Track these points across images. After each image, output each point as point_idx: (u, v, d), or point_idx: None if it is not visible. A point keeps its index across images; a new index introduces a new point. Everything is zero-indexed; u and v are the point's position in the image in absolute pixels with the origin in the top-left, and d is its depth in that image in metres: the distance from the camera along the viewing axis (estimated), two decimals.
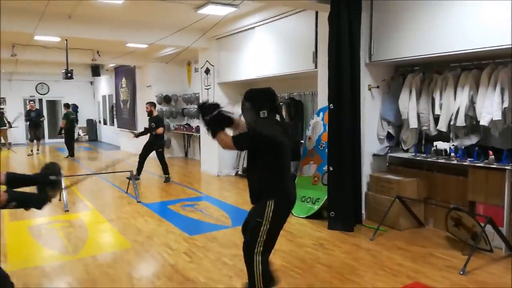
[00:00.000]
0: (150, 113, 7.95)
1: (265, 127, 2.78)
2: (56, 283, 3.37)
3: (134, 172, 7.19)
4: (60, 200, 6.26)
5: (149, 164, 10.60)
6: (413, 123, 4.82)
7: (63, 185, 2.54)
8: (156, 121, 7.86)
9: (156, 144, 7.89)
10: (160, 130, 7.76)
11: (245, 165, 8.39)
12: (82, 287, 3.34)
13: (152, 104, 8.05)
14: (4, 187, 2.36)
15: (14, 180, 2.39)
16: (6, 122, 13.63)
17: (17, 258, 4.04)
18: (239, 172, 8.50)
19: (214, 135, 2.76)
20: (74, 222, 5.29)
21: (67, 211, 5.74)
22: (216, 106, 2.84)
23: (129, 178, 6.90)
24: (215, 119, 2.77)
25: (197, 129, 10.52)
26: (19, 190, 2.28)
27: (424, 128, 4.80)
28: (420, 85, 4.83)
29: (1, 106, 15.60)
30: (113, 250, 4.26)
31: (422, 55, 4.43)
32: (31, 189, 2.35)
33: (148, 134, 7.99)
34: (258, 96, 2.90)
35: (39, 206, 2.31)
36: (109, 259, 3.97)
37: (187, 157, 11.95)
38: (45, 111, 17.33)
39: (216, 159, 8.67)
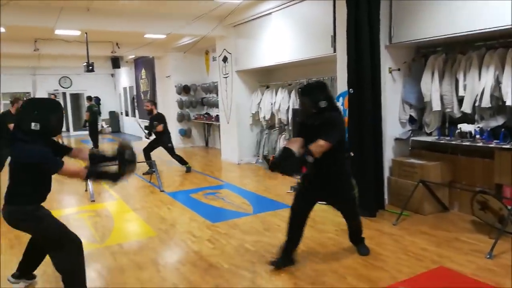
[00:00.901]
0: (150, 112, 7.85)
1: (338, 116, 3.27)
2: (86, 270, 3.48)
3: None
4: (86, 190, 6.46)
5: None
6: (436, 106, 4.70)
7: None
8: (156, 119, 7.75)
9: (161, 141, 7.76)
10: (159, 127, 7.62)
11: (265, 152, 8.40)
12: (111, 274, 3.45)
13: (152, 103, 8.03)
14: (84, 164, 2.87)
15: (95, 157, 2.92)
16: None
17: None
18: (260, 160, 8.52)
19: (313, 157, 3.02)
20: (100, 212, 5.45)
21: (93, 201, 5.91)
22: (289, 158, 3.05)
23: (151, 170, 7.06)
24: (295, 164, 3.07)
25: (217, 118, 10.57)
26: (98, 167, 2.83)
27: (448, 110, 4.68)
28: (443, 66, 4.70)
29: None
30: (139, 238, 4.38)
31: (445, 35, 4.30)
32: None
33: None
34: (314, 90, 3.28)
35: (114, 181, 2.83)
36: (135, 247, 4.08)
37: (207, 146, 12.06)
38: (68, 104, 17.77)
39: (236, 147, 8.72)
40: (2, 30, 8.24)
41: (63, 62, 14.23)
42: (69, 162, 2.70)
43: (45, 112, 2.68)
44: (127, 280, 3.33)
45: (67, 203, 6.05)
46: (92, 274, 3.45)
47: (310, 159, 2.99)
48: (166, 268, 3.58)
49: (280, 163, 3.06)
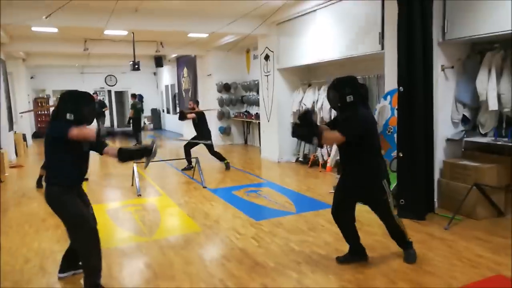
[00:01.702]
0: (192, 109, 8.04)
1: (365, 113, 3.16)
2: (136, 263, 3.60)
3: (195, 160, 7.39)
4: (132, 185, 6.67)
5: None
6: (493, 105, 4.45)
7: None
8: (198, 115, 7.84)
9: (202, 138, 7.73)
10: (191, 115, 7.76)
11: (306, 152, 8.33)
12: (160, 267, 3.53)
13: (194, 102, 8.31)
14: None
15: (123, 151, 3.08)
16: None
17: (100, 238, 4.36)
18: (300, 159, 8.46)
19: (320, 142, 3.07)
20: (146, 206, 5.61)
21: (140, 195, 6.09)
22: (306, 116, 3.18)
23: (189, 166, 7.32)
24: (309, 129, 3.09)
25: (256, 116, 10.60)
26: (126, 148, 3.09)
27: (506, 110, 4.43)
28: (501, 64, 4.45)
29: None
30: (185, 233, 4.46)
31: (504, 31, 4.05)
32: None
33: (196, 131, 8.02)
34: (343, 84, 3.20)
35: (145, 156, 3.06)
36: (181, 241, 4.17)
37: (246, 144, 12.12)
38: (113, 102, 18.46)
39: (276, 145, 8.70)
40: (55, 30, 8.68)
41: (109, 61, 14.80)
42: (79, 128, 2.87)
43: (78, 104, 2.96)
44: (175, 273, 3.40)
45: (114, 196, 6.28)
46: (142, 266, 3.55)
47: (315, 141, 3.02)
48: (213, 263, 3.62)
49: (297, 128, 3.17)
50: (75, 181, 3.09)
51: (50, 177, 3.00)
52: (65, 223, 3.06)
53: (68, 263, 3.31)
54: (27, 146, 12.33)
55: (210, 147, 7.85)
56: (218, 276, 3.34)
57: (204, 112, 8.08)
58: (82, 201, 3.10)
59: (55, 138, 2.92)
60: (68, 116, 2.89)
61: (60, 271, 3.32)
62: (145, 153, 3.06)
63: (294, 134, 3.22)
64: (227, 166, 7.99)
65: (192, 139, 7.93)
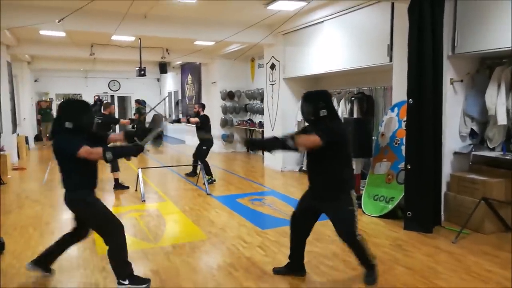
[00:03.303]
0: (197, 113, 7.83)
1: (340, 123, 3.27)
2: (143, 269, 3.56)
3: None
4: (136, 190, 6.64)
5: (212, 157, 10.90)
6: (502, 120, 4.46)
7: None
8: (201, 118, 7.65)
9: (205, 144, 7.52)
10: (193, 119, 7.53)
11: None
12: (166, 274, 3.50)
13: (200, 105, 8.04)
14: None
15: (129, 134, 3.33)
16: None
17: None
18: (304, 168, 8.44)
19: (296, 147, 3.02)
20: (151, 212, 5.58)
21: (144, 201, 6.06)
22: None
23: (193, 172, 7.31)
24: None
25: (260, 124, 10.61)
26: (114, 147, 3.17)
27: None
28: (510, 79, 4.46)
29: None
30: (191, 240, 4.42)
31: None
32: None
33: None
34: (317, 97, 3.24)
35: (135, 153, 3.16)
36: (187, 249, 4.13)
37: (249, 152, 12.11)
38: (116, 106, 18.46)
39: (280, 154, 8.68)
40: (63, 34, 8.72)
41: (114, 67, 14.84)
42: (88, 146, 2.97)
43: (76, 112, 3.09)
44: (182, 282, 3.36)
45: (119, 202, 6.25)
46: (148, 273, 3.51)
47: (290, 142, 2.98)
48: (220, 272, 3.59)
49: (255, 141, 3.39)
50: (94, 183, 3.20)
51: (71, 184, 3.09)
52: (95, 224, 3.19)
53: (41, 260, 3.36)
54: (29, 148, 12.31)
55: (201, 153, 7.45)
56: (226, 285, 3.30)
57: (209, 116, 7.96)
58: None
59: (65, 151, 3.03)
60: (67, 124, 3.01)
61: (32, 263, 3.35)
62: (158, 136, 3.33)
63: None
64: (210, 181, 7.28)
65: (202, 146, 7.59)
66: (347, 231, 3.14)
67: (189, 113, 14.31)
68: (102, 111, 7.58)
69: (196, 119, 7.61)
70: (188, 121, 7.81)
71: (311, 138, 2.98)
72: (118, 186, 6.86)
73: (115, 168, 6.78)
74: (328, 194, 3.15)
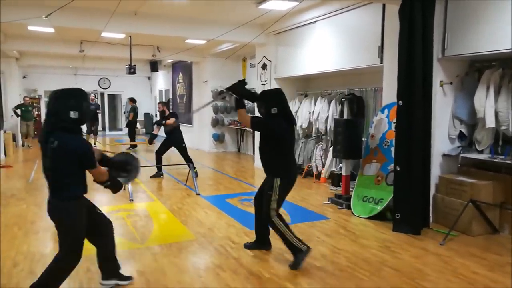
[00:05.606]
0: (163, 113, 7.83)
1: (276, 123, 3.54)
2: (129, 270, 3.50)
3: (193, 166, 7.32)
4: (124, 189, 6.54)
5: (202, 157, 10.85)
6: (491, 123, 4.49)
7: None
8: (170, 116, 7.70)
9: (174, 141, 7.67)
10: (170, 121, 7.49)
11: (300, 161, 8.29)
12: (153, 275, 3.45)
13: (163, 104, 8.05)
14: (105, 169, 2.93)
15: (106, 160, 3.03)
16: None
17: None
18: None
19: (238, 108, 3.72)
20: (139, 212, 5.51)
21: (132, 200, 5.99)
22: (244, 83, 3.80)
23: (158, 173, 7.54)
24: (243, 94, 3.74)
25: None
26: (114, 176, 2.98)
27: (503, 128, 4.46)
28: (499, 82, 4.50)
29: None
30: (179, 241, 4.37)
31: (503, 50, 4.10)
32: None
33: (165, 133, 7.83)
34: (270, 96, 3.75)
35: (117, 189, 2.98)
36: (175, 249, 4.08)
37: (239, 152, 12.07)
38: (106, 105, 18.29)
39: None
40: (52, 30, 8.59)
41: (104, 64, 14.69)
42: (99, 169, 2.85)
43: (79, 100, 2.73)
44: (169, 282, 3.32)
45: (106, 201, 6.15)
46: (134, 273, 3.45)
47: (241, 103, 3.73)
48: (207, 273, 3.55)
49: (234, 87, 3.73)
50: (85, 189, 2.86)
51: (63, 190, 2.72)
52: (63, 235, 2.81)
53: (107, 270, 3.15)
54: (16, 146, 12.12)
55: (183, 150, 7.67)
56: (213, 286, 3.27)
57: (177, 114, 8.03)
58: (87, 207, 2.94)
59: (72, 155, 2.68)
60: (72, 114, 2.64)
61: (104, 279, 3.14)
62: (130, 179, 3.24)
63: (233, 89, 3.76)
64: (195, 174, 7.25)
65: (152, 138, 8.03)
66: (264, 212, 3.63)
67: (179, 111, 14.23)
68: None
69: (173, 119, 7.60)
70: (166, 125, 7.72)
71: (246, 117, 3.60)
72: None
73: None
74: (266, 171, 3.73)
